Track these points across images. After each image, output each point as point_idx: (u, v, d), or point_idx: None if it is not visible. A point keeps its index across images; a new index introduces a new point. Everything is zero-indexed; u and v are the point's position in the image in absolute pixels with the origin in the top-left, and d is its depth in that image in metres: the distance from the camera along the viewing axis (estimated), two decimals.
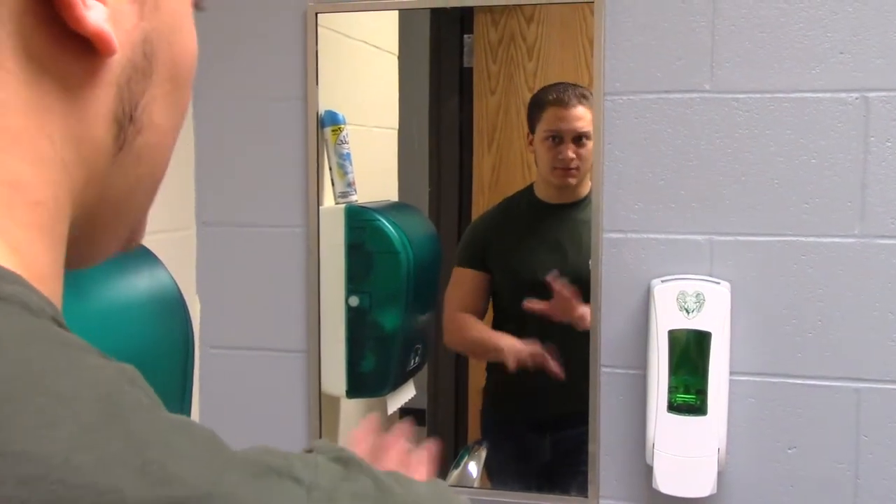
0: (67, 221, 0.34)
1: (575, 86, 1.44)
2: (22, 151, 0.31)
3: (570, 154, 1.44)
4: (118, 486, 0.25)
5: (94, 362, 0.29)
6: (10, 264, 0.29)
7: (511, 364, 1.48)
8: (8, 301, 0.28)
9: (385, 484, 0.31)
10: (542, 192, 1.50)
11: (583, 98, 1.43)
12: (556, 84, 1.46)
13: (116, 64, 0.35)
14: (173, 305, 1.09)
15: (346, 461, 0.31)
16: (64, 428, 0.26)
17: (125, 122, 0.36)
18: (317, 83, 1.52)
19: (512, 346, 1.49)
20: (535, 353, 1.47)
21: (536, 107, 1.46)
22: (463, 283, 1.55)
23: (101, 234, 0.38)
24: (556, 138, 1.45)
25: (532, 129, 1.47)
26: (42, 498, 0.24)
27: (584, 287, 1.42)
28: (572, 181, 1.47)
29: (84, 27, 0.32)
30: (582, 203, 1.45)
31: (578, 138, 1.44)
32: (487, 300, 1.54)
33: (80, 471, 0.25)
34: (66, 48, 0.32)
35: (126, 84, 0.36)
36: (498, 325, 1.54)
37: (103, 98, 0.35)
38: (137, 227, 0.40)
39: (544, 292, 1.50)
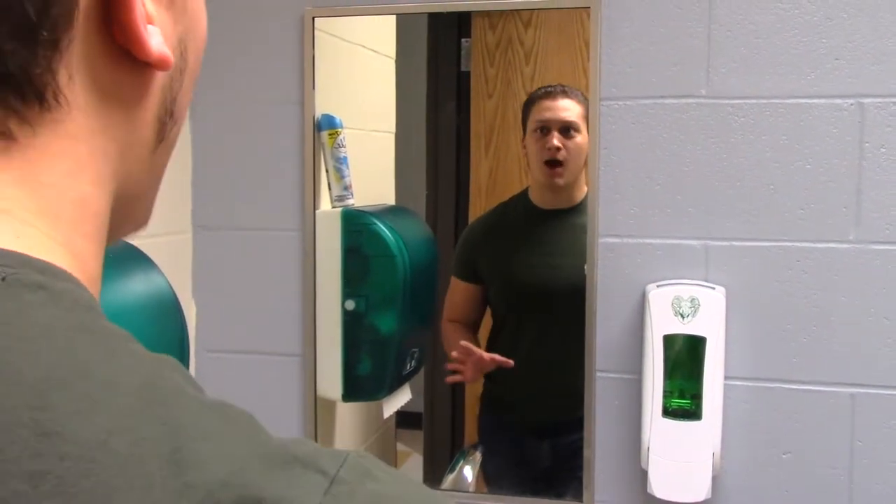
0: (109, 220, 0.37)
1: (565, 86, 1.45)
2: (88, 175, 0.34)
3: (556, 142, 1.44)
4: (148, 470, 0.27)
5: (136, 350, 0.31)
6: (69, 268, 0.32)
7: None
8: (61, 296, 0.30)
9: (405, 484, 0.32)
10: (536, 197, 1.50)
11: (571, 93, 1.43)
12: (547, 84, 1.47)
13: (163, 73, 0.37)
14: (169, 309, 1.09)
15: (371, 460, 0.32)
16: (104, 412, 0.27)
17: (167, 119, 0.39)
18: (313, 87, 1.52)
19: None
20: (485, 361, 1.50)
21: (527, 106, 1.47)
22: (456, 293, 1.56)
23: (127, 219, 0.41)
24: (544, 129, 1.45)
25: (525, 130, 1.48)
26: (77, 474, 0.26)
27: (580, 292, 1.42)
28: (559, 181, 1.47)
29: (149, 56, 0.34)
30: (577, 208, 1.45)
31: (566, 129, 1.44)
32: (481, 310, 1.54)
33: (115, 454, 0.27)
34: (127, 72, 0.35)
35: (169, 86, 0.39)
36: (495, 333, 1.54)
37: (152, 104, 0.38)
38: (149, 209, 0.43)
39: (540, 299, 1.50)
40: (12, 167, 0.31)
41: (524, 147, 1.48)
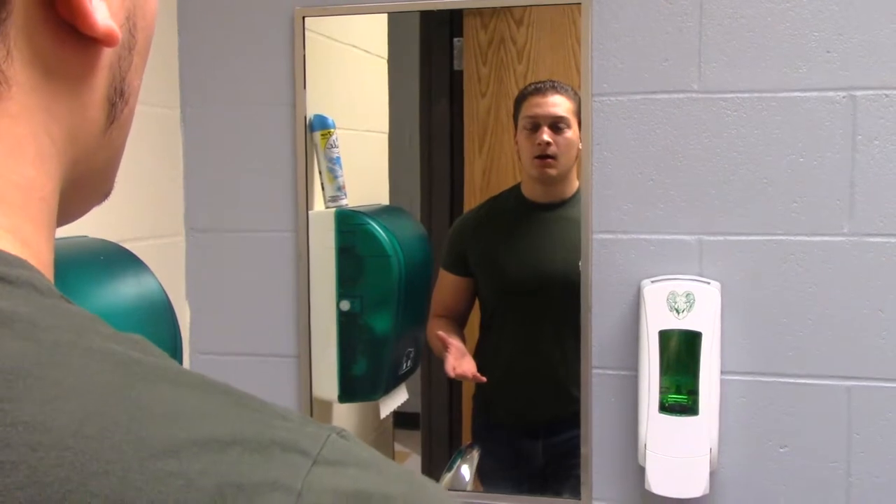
0: (58, 204, 0.36)
1: (555, 81, 1.45)
2: (29, 155, 0.33)
3: (546, 137, 1.44)
4: (124, 456, 0.26)
5: (104, 332, 0.30)
6: (22, 255, 0.31)
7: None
8: (18, 284, 0.29)
9: (386, 465, 0.32)
10: (528, 191, 1.50)
11: (561, 89, 1.43)
12: (537, 80, 1.47)
13: (110, 50, 0.36)
14: (161, 311, 1.09)
15: (353, 440, 0.32)
16: (75, 399, 0.27)
17: (116, 99, 0.38)
18: (304, 88, 1.52)
19: (449, 361, 1.50)
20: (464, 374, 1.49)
21: (517, 102, 1.47)
22: (444, 285, 1.55)
23: (84, 198, 0.40)
24: (534, 125, 1.45)
25: (516, 127, 1.48)
26: (50, 464, 0.26)
27: (572, 287, 1.42)
28: (551, 171, 1.46)
29: (95, 30, 0.33)
30: (569, 202, 1.45)
31: (556, 124, 1.44)
32: (470, 303, 1.54)
33: (89, 440, 0.26)
34: (71, 48, 0.34)
35: (117, 64, 0.37)
36: (485, 327, 1.54)
37: (99, 83, 0.36)
38: (112, 180, 0.42)
39: (529, 293, 1.50)
40: None
41: (516, 143, 1.48)
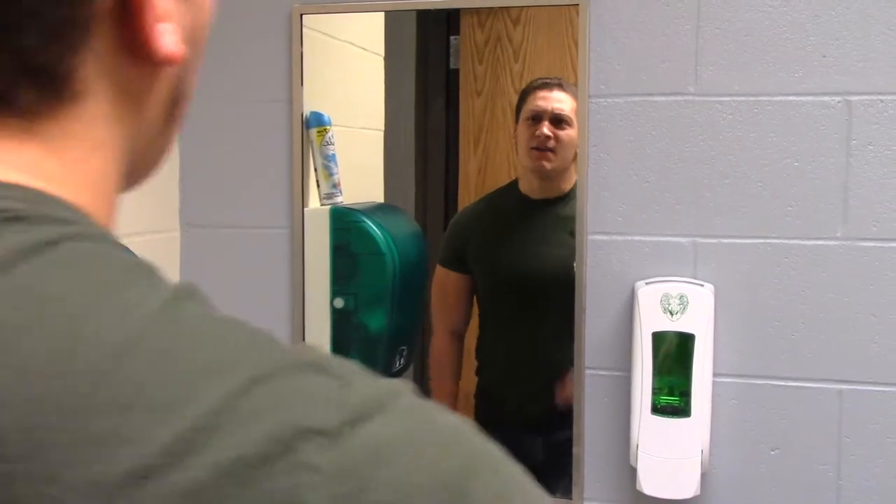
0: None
1: (562, 79, 1.45)
2: (105, 152, 0.38)
3: (546, 131, 1.44)
4: (169, 386, 0.29)
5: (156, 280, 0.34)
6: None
7: None
8: (95, 239, 0.34)
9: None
10: (525, 187, 1.50)
11: (568, 88, 1.44)
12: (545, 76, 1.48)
13: (172, 67, 0.41)
14: None
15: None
16: (126, 329, 0.30)
17: (174, 106, 0.43)
18: (301, 85, 1.51)
19: None
20: None
21: (522, 96, 1.48)
22: (444, 284, 1.55)
23: (139, 177, 0.45)
24: (536, 118, 1.45)
25: (517, 119, 1.48)
26: (107, 395, 0.28)
27: (567, 285, 1.42)
28: (547, 164, 1.46)
29: (158, 56, 0.38)
30: (566, 198, 1.45)
31: (557, 120, 1.44)
32: (469, 300, 1.54)
33: (136, 371, 0.29)
34: (139, 68, 0.39)
35: (176, 77, 0.42)
36: (483, 325, 1.54)
37: (160, 94, 0.42)
38: (158, 168, 0.48)
39: (527, 290, 1.50)
40: (38, 142, 0.35)
41: (514, 137, 1.48)
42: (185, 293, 0.34)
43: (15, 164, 0.35)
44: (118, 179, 0.40)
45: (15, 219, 0.32)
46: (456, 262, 1.54)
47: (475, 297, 1.54)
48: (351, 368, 0.32)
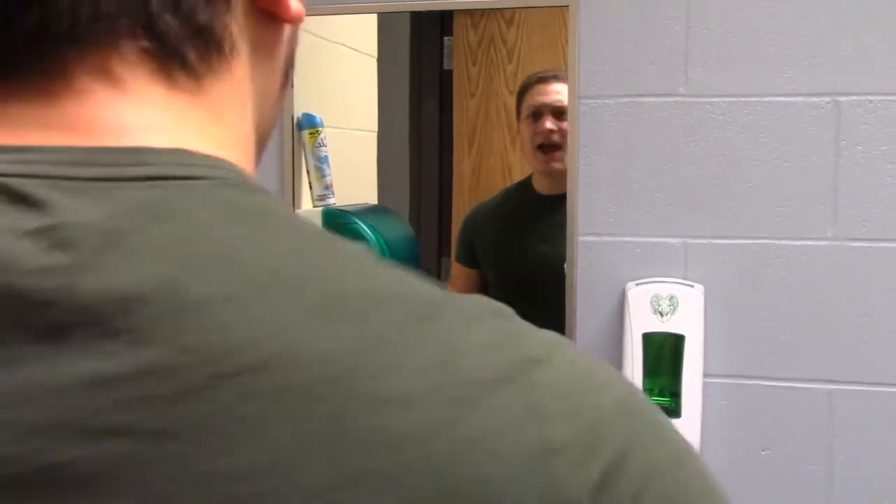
0: None
1: (560, 72, 1.45)
2: (247, 113, 0.40)
3: (549, 125, 1.44)
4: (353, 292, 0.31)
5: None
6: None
7: None
8: (260, 191, 0.36)
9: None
10: (537, 183, 1.50)
11: (565, 79, 1.43)
12: (541, 71, 1.47)
13: (290, 26, 0.44)
14: None
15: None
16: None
17: (289, 67, 0.46)
18: (292, 87, 1.52)
19: None
20: None
21: (521, 93, 1.47)
22: (455, 278, 1.56)
23: (257, 151, 0.47)
24: (537, 114, 1.45)
25: (519, 118, 1.48)
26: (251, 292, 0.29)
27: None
28: (557, 165, 1.45)
29: (289, 15, 0.41)
30: None
31: (559, 113, 1.43)
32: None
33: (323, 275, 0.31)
34: (269, 27, 0.41)
35: (292, 37, 0.45)
36: None
37: (281, 55, 0.44)
38: (270, 137, 0.50)
39: (536, 285, 1.50)
40: (203, 103, 0.37)
41: (519, 134, 1.48)
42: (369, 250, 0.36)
43: (199, 130, 0.37)
44: (255, 146, 0.43)
45: (233, 185, 0.34)
46: (467, 257, 1.54)
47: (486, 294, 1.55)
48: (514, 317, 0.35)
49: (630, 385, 0.35)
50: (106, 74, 0.34)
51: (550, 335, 0.34)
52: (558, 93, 1.43)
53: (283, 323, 0.29)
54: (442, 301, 0.33)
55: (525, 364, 0.31)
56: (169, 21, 0.35)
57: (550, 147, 1.45)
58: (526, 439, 0.29)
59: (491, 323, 0.33)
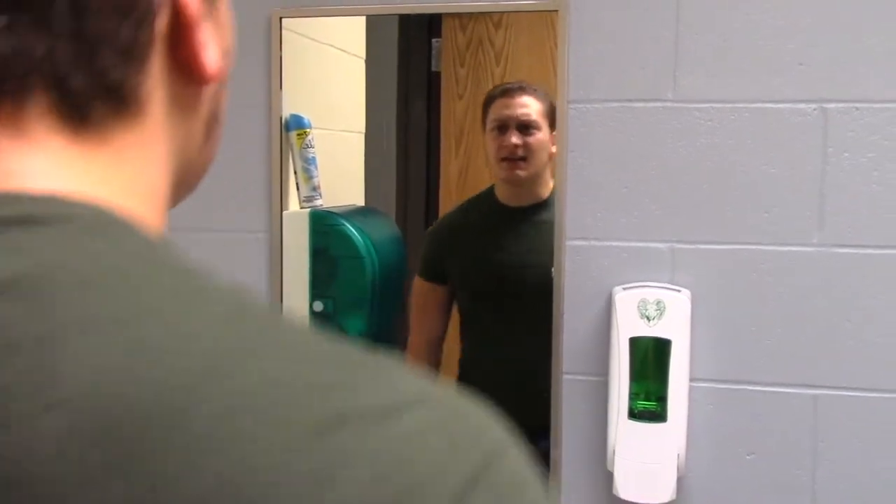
0: None
1: (525, 83, 1.44)
2: (159, 166, 0.42)
3: (514, 140, 1.43)
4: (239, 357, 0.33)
5: (219, 284, 0.38)
6: None
7: None
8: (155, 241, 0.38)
9: None
10: (501, 194, 1.50)
11: (531, 91, 1.43)
12: (506, 82, 1.47)
13: (213, 84, 0.45)
14: None
15: None
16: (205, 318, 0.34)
17: (213, 122, 0.47)
18: (280, 89, 1.51)
19: None
20: None
21: (486, 104, 1.47)
22: (421, 294, 1.55)
23: (181, 193, 0.49)
24: (502, 127, 1.45)
25: (484, 128, 1.48)
26: (176, 371, 0.31)
27: (547, 292, 1.42)
28: (520, 173, 1.46)
29: (208, 74, 0.42)
30: (544, 205, 1.45)
31: (524, 127, 1.43)
32: (448, 311, 1.54)
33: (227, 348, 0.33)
34: (188, 86, 0.43)
35: (215, 95, 0.46)
36: (463, 334, 1.54)
37: (203, 111, 0.46)
38: (200, 182, 0.52)
39: (506, 298, 1.50)
40: (104, 155, 0.39)
41: (484, 146, 1.48)
42: (248, 296, 0.38)
43: (87, 176, 0.38)
44: (167, 193, 0.44)
45: (88, 229, 0.36)
46: (434, 273, 1.53)
47: (455, 308, 1.54)
48: (395, 361, 0.36)
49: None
50: (13, 125, 0.37)
51: (416, 390, 0.36)
52: (525, 106, 1.43)
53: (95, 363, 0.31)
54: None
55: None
56: (79, 80, 0.38)
57: (516, 158, 1.45)
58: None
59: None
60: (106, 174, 0.39)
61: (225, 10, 0.47)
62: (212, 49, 0.42)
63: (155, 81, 0.41)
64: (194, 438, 0.30)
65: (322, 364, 0.35)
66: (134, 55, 0.39)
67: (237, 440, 0.31)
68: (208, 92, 0.45)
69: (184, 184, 0.48)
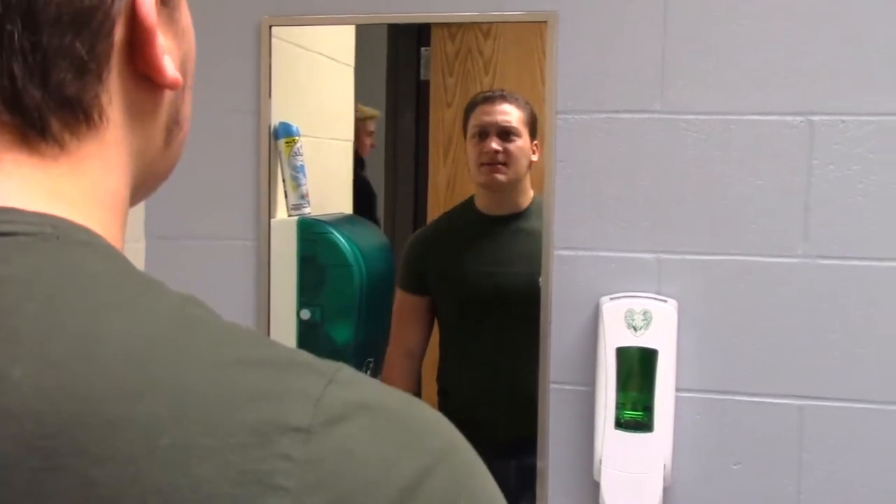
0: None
1: (506, 91, 1.45)
2: (118, 171, 0.43)
3: (494, 146, 1.44)
4: (186, 368, 0.34)
5: (166, 290, 0.39)
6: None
7: None
8: (104, 249, 0.40)
9: (389, 387, 0.39)
10: (481, 203, 1.50)
11: (512, 99, 1.44)
12: (488, 90, 1.48)
13: (171, 91, 0.46)
14: None
15: (358, 372, 0.39)
16: (147, 326, 0.36)
17: (173, 127, 0.48)
18: (269, 97, 1.51)
19: None
20: None
21: (467, 111, 1.48)
22: (403, 307, 1.54)
23: (145, 192, 0.50)
24: (482, 133, 1.45)
25: (465, 135, 1.48)
26: (135, 385, 0.33)
27: (529, 301, 1.42)
28: (500, 177, 1.46)
29: (165, 82, 0.43)
30: (524, 214, 1.45)
31: (505, 133, 1.44)
32: (429, 323, 1.53)
33: (160, 363, 0.34)
34: (146, 93, 0.44)
35: (174, 101, 0.47)
36: (444, 346, 1.53)
37: (162, 117, 0.47)
38: (163, 182, 0.53)
39: (486, 308, 1.50)
40: (63, 166, 0.40)
41: (465, 153, 1.49)
42: (189, 301, 0.39)
43: (43, 189, 0.39)
44: (127, 196, 0.45)
45: (44, 239, 0.37)
46: (415, 284, 1.53)
47: (436, 320, 1.53)
48: (337, 368, 0.37)
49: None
50: None
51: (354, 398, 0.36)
52: (505, 113, 1.44)
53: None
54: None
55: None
56: (35, 95, 0.38)
57: (495, 163, 1.45)
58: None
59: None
60: (64, 186, 0.40)
61: (184, 16, 0.48)
62: (168, 59, 0.43)
63: (113, 91, 0.42)
64: (128, 446, 0.32)
65: (263, 371, 0.35)
66: (90, 68, 0.40)
67: (173, 449, 0.32)
68: (167, 97, 0.46)
69: (144, 186, 0.49)
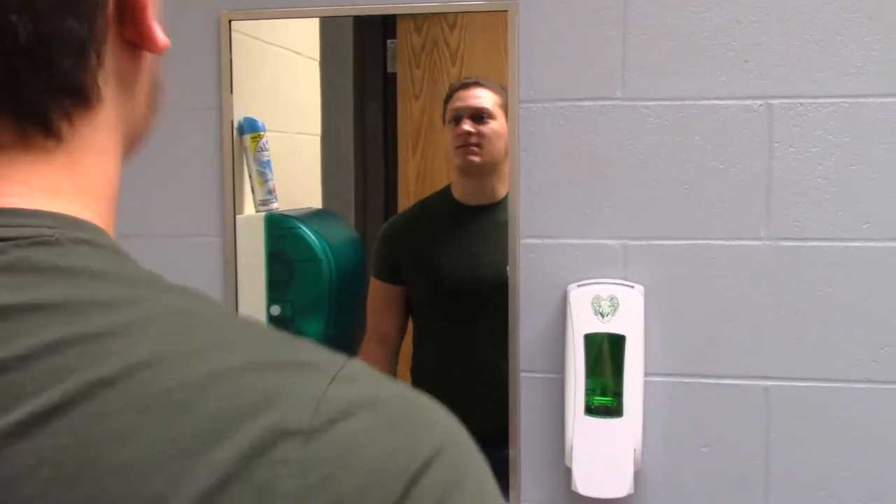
0: None
1: (483, 79, 1.46)
2: (111, 156, 0.43)
3: (468, 127, 1.45)
4: (194, 366, 0.35)
5: (170, 285, 0.40)
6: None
7: None
8: (105, 248, 0.40)
9: (391, 379, 0.39)
10: (458, 192, 1.50)
11: (487, 84, 1.45)
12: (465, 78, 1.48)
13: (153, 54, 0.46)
14: None
15: (364, 364, 0.39)
16: (150, 334, 0.36)
17: (154, 89, 0.48)
18: (231, 91, 1.50)
19: None
20: None
21: (445, 101, 1.48)
22: (376, 294, 1.54)
23: (129, 155, 0.50)
24: (457, 118, 1.46)
25: (444, 125, 1.49)
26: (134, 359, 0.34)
27: (502, 292, 1.43)
28: (474, 158, 1.46)
29: (158, 47, 0.43)
30: (500, 205, 1.45)
31: (478, 116, 1.45)
32: (404, 312, 1.53)
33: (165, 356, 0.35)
34: (132, 61, 0.43)
35: (154, 63, 0.47)
36: (418, 338, 1.53)
37: (145, 82, 0.46)
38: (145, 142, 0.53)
39: (462, 299, 1.50)
40: (59, 158, 0.40)
41: (444, 142, 1.49)
42: (190, 294, 0.40)
43: (39, 185, 0.39)
44: (118, 183, 0.45)
45: (44, 243, 0.37)
46: (389, 273, 1.53)
47: (410, 310, 1.54)
48: (341, 364, 0.37)
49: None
50: None
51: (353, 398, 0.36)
52: (478, 97, 1.44)
53: None
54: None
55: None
56: (36, 88, 0.38)
57: (469, 145, 1.46)
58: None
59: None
60: (60, 180, 0.40)
61: None
62: (155, 24, 0.43)
63: (108, 67, 0.41)
64: (132, 457, 0.32)
65: (265, 375, 0.35)
66: (89, 47, 0.39)
67: (175, 460, 0.32)
68: (148, 61, 0.46)
69: (128, 149, 0.48)
